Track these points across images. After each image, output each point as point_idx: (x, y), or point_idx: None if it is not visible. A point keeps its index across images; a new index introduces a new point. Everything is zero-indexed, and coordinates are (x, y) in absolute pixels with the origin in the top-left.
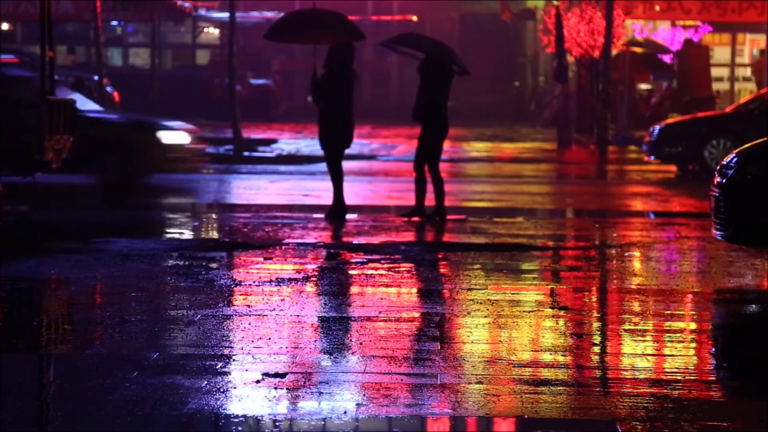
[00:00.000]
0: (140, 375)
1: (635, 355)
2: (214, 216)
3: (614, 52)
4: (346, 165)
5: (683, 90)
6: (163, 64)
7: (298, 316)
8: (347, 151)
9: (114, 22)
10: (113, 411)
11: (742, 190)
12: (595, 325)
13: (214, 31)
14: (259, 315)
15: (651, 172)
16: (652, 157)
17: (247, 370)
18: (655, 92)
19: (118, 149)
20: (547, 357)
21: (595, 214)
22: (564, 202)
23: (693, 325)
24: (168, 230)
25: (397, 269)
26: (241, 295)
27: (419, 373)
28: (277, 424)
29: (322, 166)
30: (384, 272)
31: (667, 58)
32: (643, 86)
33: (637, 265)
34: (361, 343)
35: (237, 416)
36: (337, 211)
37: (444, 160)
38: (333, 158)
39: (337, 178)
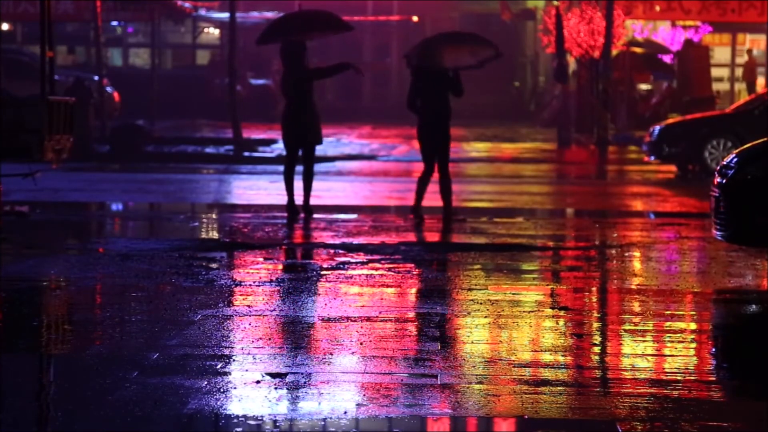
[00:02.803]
0: (140, 375)
1: (635, 355)
2: (214, 216)
3: (614, 52)
4: (347, 165)
5: (683, 90)
6: (163, 64)
7: (298, 316)
8: (349, 152)
9: (114, 22)
10: (113, 411)
11: (743, 191)
12: (595, 325)
13: (214, 32)
14: (259, 315)
15: (651, 172)
16: (652, 157)
17: (247, 370)
18: (655, 92)
19: None
20: (547, 357)
21: (595, 214)
22: (564, 202)
23: (693, 325)
24: (168, 230)
25: (397, 269)
26: (241, 295)
27: (419, 373)
28: (277, 424)
29: (321, 167)
30: (384, 272)
31: (667, 58)
32: (643, 86)
33: (637, 265)
34: (361, 343)
35: (237, 416)
36: (291, 212)
37: None
38: (288, 155)
39: (287, 176)
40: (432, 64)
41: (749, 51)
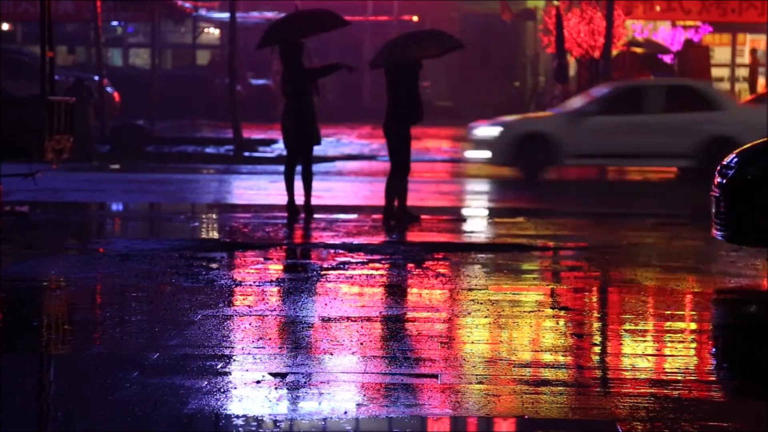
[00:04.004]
0: (140, 375)
1: (635, 355)
2: (214, 216)
3: (614, 52)
4: (347, 165)
5: None
6: (163, 64)
7: (298, 316)
8: (349, 152)
9: (114, 22)
10: (113, 411)
11: (743, 191)
12: (595, 325)
13: (214, 32)
14: (259, 315)
15: (651, 172)
16: None
17: (247, 371)
18: None
19: None
20: (547, 357)
21: (595, 214)
22: (564, 202)
23: (693, 325)
24: (168, 230)
25: (397, 269)
26: (241, 295)
27: (419, 373)
28: (278, 424)
29: (321, 167)
30: (384, 272)
31: (667, 59)
32: None
33: (637, 265)
34: (361, 343)
35: (237, 416)
36: (291, 212)
37: (444, 160)
38: (288, 155)
39: (287, 176)
40: (399, 60)
41: (753, 51)
